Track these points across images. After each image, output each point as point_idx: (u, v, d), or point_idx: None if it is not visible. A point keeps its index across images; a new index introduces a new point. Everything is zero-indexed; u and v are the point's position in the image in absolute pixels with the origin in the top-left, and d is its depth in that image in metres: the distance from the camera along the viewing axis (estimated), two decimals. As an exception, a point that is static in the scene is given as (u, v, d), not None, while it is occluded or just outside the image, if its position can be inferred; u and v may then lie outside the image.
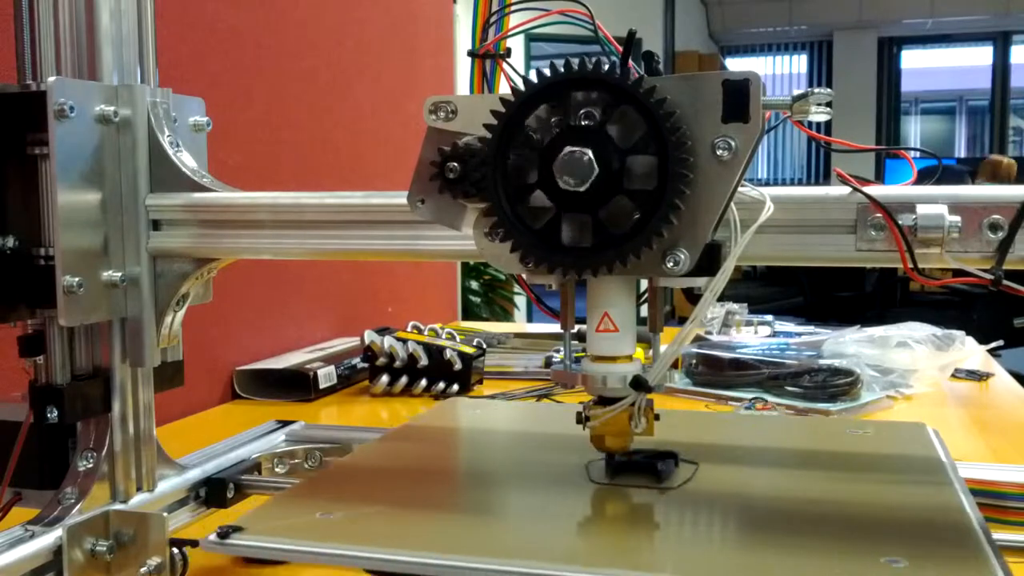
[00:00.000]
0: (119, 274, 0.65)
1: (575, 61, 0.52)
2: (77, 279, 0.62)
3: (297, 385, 1.31)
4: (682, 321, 0.62)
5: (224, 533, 0.55)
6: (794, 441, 0.79)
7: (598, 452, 0.64)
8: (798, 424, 0.99)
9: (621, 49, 0.54)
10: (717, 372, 1.30)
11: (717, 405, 1.23)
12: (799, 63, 9.41)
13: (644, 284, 0.59)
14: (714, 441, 0.75)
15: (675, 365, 0.59)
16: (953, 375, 1.38)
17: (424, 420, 0.89)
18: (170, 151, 0.67)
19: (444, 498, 0.66)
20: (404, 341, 1.34)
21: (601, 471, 0.64)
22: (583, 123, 0.52)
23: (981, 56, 9.03)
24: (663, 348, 0.58)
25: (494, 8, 0.60)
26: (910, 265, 0.53)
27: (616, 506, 0.62)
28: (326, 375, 1.34)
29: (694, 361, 1.33)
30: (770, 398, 1.21)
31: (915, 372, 1.30)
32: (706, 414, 1.13)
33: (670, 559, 0.55)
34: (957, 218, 0.53)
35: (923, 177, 0.56)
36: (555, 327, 1.24)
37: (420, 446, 0.78)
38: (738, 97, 0.51)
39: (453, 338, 1.40)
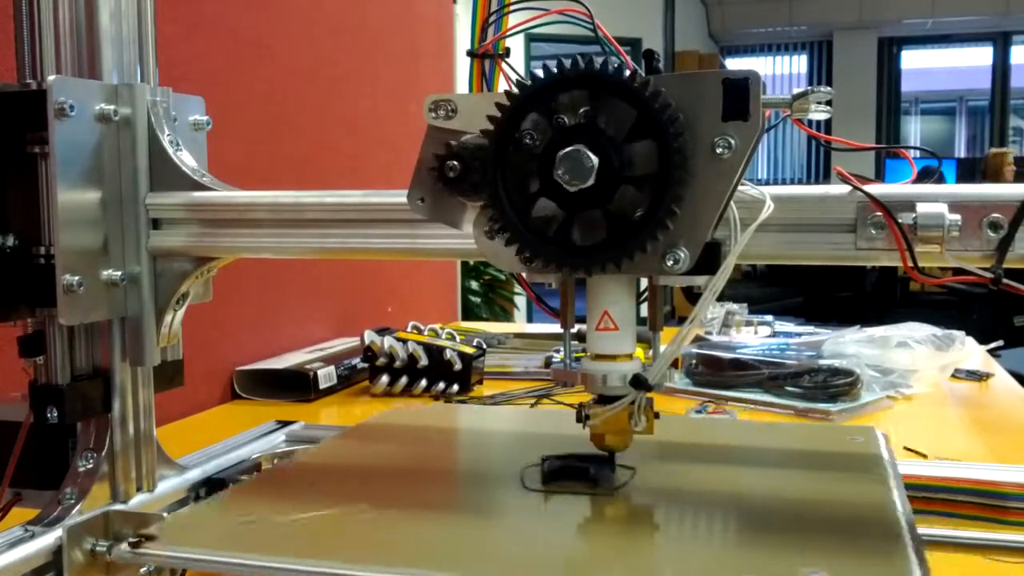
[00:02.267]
0: (119, 273, 0.65)
1: (582, 59, 0.52)
2: (77, 278, 0.62)
3: (297, 385, 1.31)
4: (682, 321, 0.61)
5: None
6: (739, 444, 0.79)
7: (534, 457, 0.64)
8: (746, 428, 0.99)
9: (620, 49, 0.54)
10: (717, 372, 1.30)
11: (716, 405, 1.23)
12: (799, 63, 9.42)
13: (644, 283, 0.59)
14: (657, 445, 0.73)
15: (675, 365, 0.58)
16: (953, 375, 1.38)
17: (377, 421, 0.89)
18: (170, 150, 0.67)
19: (372, 502, 0.64)
20: (404, 341, 1.33)
21: (536, 477, 0.64)
22: (583, 122, 0.52)
23: (981, 56, 9.03)
24: (663, 347, 0.58)
25: (494, 8, 0.60)
26: (910, 264, 0.53)
27: (548, 512, 0.62)
28: (326, 375, 1.33)
29: (694, 361, 1.33)
30: (770, 398, 1.22)
31: (915, 372, 1.30)
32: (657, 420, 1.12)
33: (581, 562, 0.55)
34: (957, 217, 0.53)
35: (924, 176, 0.56)
36: (555, 327, 1.24)
37: (366, 448, 0.78)
38: (738, 95, 0.51)
39: (453, 338, 1.40)
